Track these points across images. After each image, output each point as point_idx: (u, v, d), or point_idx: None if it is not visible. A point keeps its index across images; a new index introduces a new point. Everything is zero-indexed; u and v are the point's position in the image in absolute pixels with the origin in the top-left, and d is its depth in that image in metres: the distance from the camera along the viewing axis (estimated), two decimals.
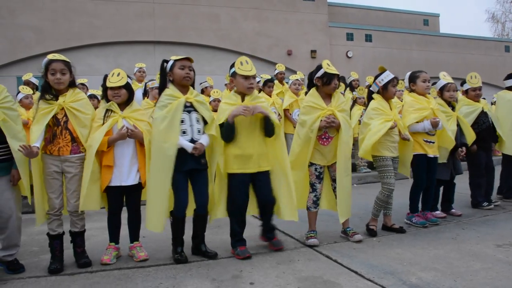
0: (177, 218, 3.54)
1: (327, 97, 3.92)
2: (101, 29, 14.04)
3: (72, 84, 3.50)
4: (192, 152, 3.43)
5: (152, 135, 3.47)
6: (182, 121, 3.47)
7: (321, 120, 3.79)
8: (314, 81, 3.95)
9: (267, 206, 3.76)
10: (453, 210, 5.06)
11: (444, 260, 3.42)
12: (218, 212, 3.75)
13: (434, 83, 5.28)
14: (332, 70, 3.88)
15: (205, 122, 3.60)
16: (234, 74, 3.68)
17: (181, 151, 3.40)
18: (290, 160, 3.85)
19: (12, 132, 3.21)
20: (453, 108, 4.89)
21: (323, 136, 3.88)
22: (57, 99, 3.38)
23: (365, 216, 4.59)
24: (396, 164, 4.27)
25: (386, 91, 4.20)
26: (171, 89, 3.52)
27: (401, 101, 5.48)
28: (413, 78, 4.57)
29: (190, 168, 3.49)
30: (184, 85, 3.57)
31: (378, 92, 4.24)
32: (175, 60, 3.55)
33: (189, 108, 3.53)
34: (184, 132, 3.47)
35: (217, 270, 3.32)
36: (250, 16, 15.70)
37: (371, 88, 4.36)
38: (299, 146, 3.89)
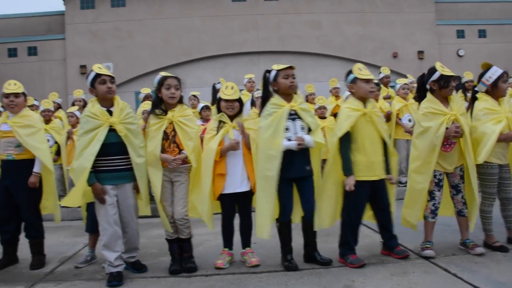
0: (282, 222, 3.58)
1: (444, 100, 3.70)
2: (208, 43, 14.80)
3: (180, 100, 3.71)
4: (297, 147, 3.47)
5: (259, 144, 3.56)
6: (287, 129, 3.53)
7: (446, 128, 3.58)
8: (428, 85, 3.76)
9: (385, 211, 3.70)
10: None
11: None
12: (323, 222, 3.71)
13: None
14: (448, 71, 3.67)
15: (310, 129, 3.64)
16: (354, 80, 3.67)
17: (287, 159, 3.45)
18: (410, 168, 3.72)
19: (132, 145, 3.48)
20: None
21: (445, 143, 3.65)
22: (166, 114, 3.61)
23: None
24: (506, 173, 3.83)
25: (496, 89, 3.80)
26: (276, 98, 3.59)
27: None
28: None
29: (295, 176, 3.54)
30: (289, 94, 3.62)
31: (486, 92, 3.85)
32: (278, 70, 3.61)
33: (293, 116, 3.58)
34: (289, 140, 3.52)
35: (329, 278, 3.29)
36: (352, 20, 15.46)
37: (476, 89, 3.97)
38: (422, 154, 3.65)
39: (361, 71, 3.68)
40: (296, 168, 3.52)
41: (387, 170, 3.68)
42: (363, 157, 3.56)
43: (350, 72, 3.75)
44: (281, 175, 3.44)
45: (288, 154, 3.46)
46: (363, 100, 3.65)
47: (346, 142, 3.56)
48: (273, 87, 3.65)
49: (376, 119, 3.63)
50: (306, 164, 3.58)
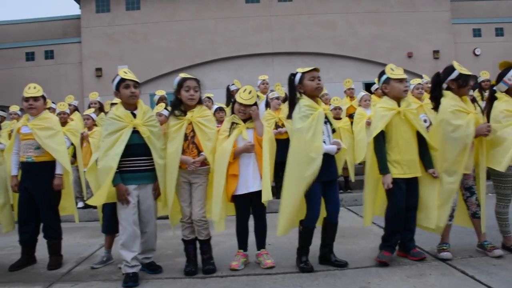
0: (308, 228, 3.57)
1: (460, 100, 3.67)
2: (222, 45, 14.86)
3: (199, 101, 3.74)
4: (336, 152, 3.52)
5: (297, 145, 3.49)
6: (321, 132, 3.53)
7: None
8: (445, 84, 3.70)
9: (413, 211, 3.66)
10: None
11: None
12: (368, 220, 3.79)
13: None
14: (466, 71, 3.64)
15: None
16: (387, 80, 3.67)
17: (324, 161, 3.42)
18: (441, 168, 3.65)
19: (155, 147, 3.54)
20: None
21: None
22: (185, 115, 3.64)
23: None
24: None
25: None
26: (307, 100, 3.56)
27: None
28: None
29: (329, 179, 3.54)
30: (314, 96, 3.62)
31: (507, 91, 3.76)
32: (303, 73, 3.60)
33: (325, 119, 3.59)
34: (324, 143, 3.51)
35: (344, 280, 3.27)
36: (367, 20, 15.36)
37: (495, 88, 3.89)
38: (452, 154, 3.57)
39: (393, 71, 3.67)
40: (332, 171, 3.57)
41: (429, 165, 3.63)
42: (398, 156, 3.56)
43: (382, 73, 3.73)
44: (317, 178, 3.42)
45: (325, 157, 3.45)
46: (397, 99, 3.64)
47: (380, 141, 3.57)
48: (299, 90, 3.63)
49: (411, 116, 3.59)
50: (335, 167, 3.64)
